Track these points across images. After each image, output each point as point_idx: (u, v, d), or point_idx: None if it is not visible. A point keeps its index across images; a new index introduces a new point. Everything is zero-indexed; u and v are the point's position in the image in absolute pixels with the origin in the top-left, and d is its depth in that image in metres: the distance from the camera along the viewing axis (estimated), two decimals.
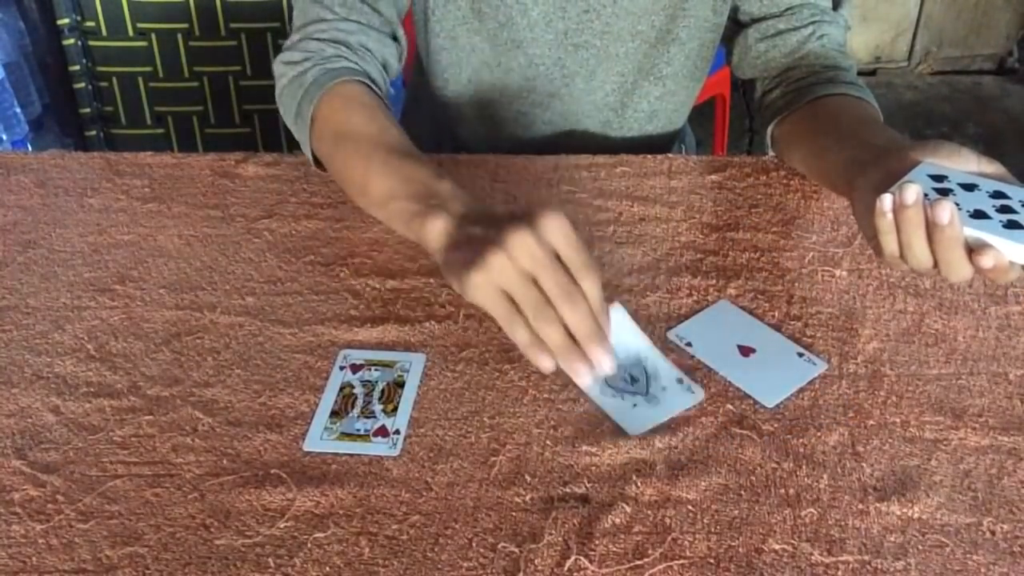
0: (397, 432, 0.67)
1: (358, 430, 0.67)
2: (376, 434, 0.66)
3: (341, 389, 0.70)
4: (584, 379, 0.64)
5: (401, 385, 0.70)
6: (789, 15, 0.94)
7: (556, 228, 0.64)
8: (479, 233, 0.66)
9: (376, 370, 0.71)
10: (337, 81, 0.85)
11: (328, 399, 0.69)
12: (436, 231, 0.69)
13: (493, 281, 0.63)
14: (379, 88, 0.89)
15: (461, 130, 1.07)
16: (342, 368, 0.71)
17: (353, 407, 0.68)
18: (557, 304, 0.62)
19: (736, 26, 0.99)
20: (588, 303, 0.63)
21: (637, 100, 1.03)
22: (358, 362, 0.72)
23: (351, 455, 0.65)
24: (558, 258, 0.63)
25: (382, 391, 0.70)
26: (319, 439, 0.66)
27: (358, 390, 0.70)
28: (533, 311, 0.62)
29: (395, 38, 0.94)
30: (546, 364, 0.63)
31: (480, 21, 0.96)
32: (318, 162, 0.88)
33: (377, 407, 0.68)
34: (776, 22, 0.94)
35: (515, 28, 0.96)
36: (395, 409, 0.68)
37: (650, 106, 1.03)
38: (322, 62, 0.86)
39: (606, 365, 0.63)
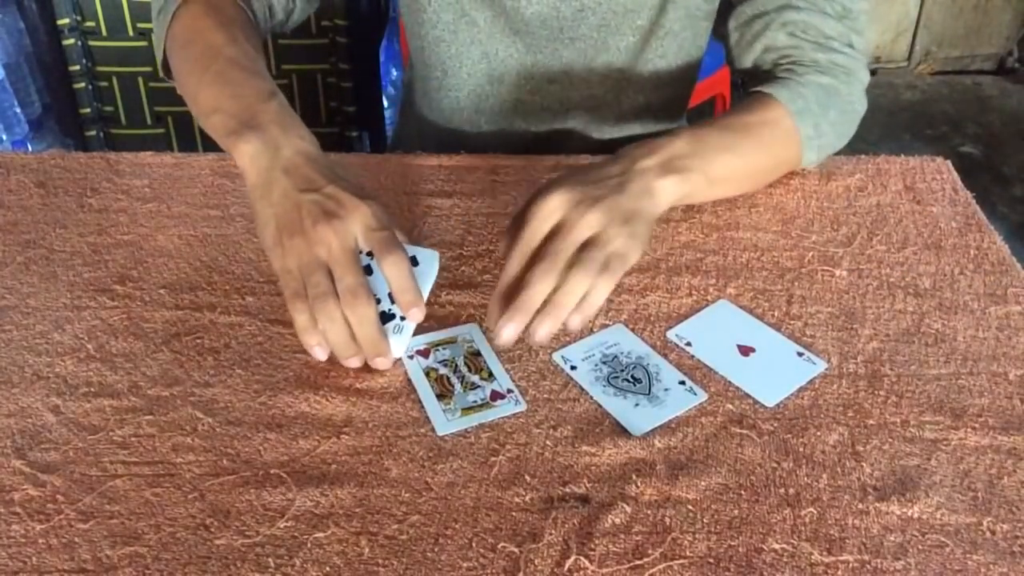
0: (511, 391, 0.68)
1: (475, 402, 0.68)
2: (493, 399, 0.68)
3: (428, 374, 0.70)
4: (352, 364, 0.68)
5: (478, 354, 0.72)
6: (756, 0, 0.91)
7: (363, 223, 0.67)
8: (291, 197, 0.68)
9: (445, 348, 0.72)
10: None
11: (424, 387, 0.69)
12: (247, 156, 0.71)
13: (289, 260, 0.67)
14: (252, 13, 0.89)
15: (459, 122, 1.08)
16: (411, 358, 0.71)
17: (452, 385, 0.69)
18: (343, 301, 0.65)
19: (722, 18, 0.98)
20: (372, 307, 0.66)
21: (633, 95, 1.04)
22: (422, 348, 0.72)
23: (486, 423, 0.66)
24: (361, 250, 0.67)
25: (466, 364, 0.71)
26: (447, 422, 0.66)
27: (444, 371, 0.70)
28: (316, 301, 0.65)
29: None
30: (318, 354, 0.68)
31: (478, 11, 0.98)
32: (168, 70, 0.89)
33: (474, 378, 0.69)
34: (745, 7, 0.92)
35: (511, 21, 0.98)
36: (490, 375, 0.70)
37: (646, 98, 1.04)
38: None
39: (381, 365, 0.68)
